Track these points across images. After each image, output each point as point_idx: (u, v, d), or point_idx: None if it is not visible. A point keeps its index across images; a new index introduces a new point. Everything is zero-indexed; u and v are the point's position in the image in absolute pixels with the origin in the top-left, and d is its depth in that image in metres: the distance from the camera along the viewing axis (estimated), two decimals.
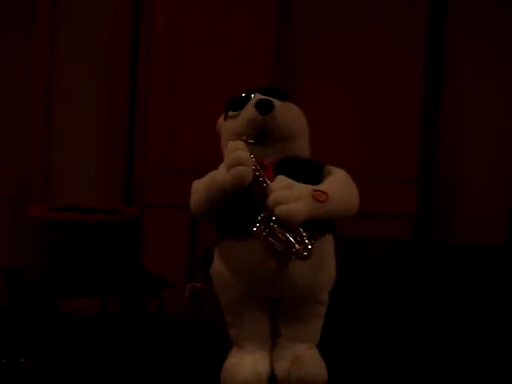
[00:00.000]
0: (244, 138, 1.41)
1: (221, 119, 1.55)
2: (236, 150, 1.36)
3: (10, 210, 3.08)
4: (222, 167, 1.39)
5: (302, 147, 1.48)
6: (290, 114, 1.47)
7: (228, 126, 1.49)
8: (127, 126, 3.03)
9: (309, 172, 1.44)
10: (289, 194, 1.32)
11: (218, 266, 1.46)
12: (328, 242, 1.44)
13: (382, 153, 2.80)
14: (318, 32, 2.85)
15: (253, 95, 1.47)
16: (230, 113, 1.49)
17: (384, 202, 2.66)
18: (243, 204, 1.38)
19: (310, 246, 1.32)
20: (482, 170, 2.73)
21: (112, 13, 3.03)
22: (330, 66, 2.82)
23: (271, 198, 1.32)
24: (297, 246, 1.32)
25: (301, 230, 1.33)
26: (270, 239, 1.33)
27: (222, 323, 1.50)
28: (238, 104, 1.47)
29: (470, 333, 1.86)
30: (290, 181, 1.36)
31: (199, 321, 2.35)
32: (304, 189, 1.36)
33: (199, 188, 1.45)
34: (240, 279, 1.41)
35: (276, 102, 1.45)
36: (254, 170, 1.36)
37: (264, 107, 1.42)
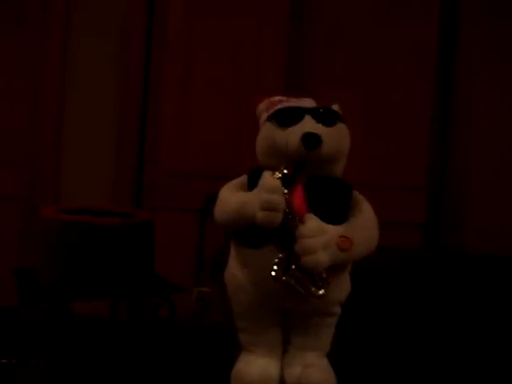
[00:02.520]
0: (283, 171, 1.37)
1: (263, 106, 1.48)
2: (270, 193, 1.34)
3: (21, 211, 3.09)
4: (255, 196, 1.36)
5: (338, 168, 1.46)
6: (334, 144, 1.41)
7: (269, 134, 1.43)
8: (138, 128, 3.04)
9: (337, 193, 1.43)
10: (317, 244, 1.33)
11: (232, 271, 1.46)
12: (346, 267, 1.45)
13: (391, 161, 2.81)
14: (330, 41, 2.86)
15: (302, 116, 1.41)
16: (275, 121, 1.43)
17: (393, 210, 2.67)
18: None
19: (323, 290, 1.35)
20: (492, 179, 2.73)
21: (126, 15, 3.04)
22: (341, 74, 2.83)
23: (300, 246, 1.33)
24: (313, 288, 1.35)
25: (321, 274, 1.35)
26: (291, 281, 1.34)
27: (230, 327, 1.50)
28: (286, 120, 1.41)
29: (480, 341, 1.86)
30: (320, 224, 1.35)
31: (206, 325, 2.35)
32: (332, 235, 1.36)
33: (227, 203, 1.43)
34: (254, 287, 1.41)
35: (324, 131, 1.39)
36: (284, 209, 1.35)
37: (310, 143, 1.37)
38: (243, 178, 1.46)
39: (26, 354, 1.62)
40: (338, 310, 1.46)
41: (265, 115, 1.46)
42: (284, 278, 1.34)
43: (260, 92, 2.80)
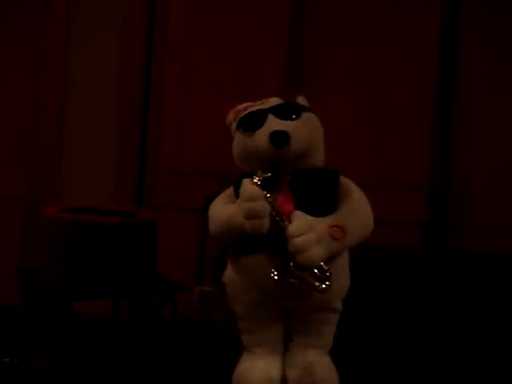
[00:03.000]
0: (259, 175, 1.38)
1: (231, 115, 1.50)
2: (252, 201, 1.35)
3: (22, 210, 3.09)
4: (239, 210, 1.36)
5: (318, 158, 1.46)
6: (305, 134, 1.42)
7: (240, 139, 1.45)
8: (140, 128, 3.05)
9: (324, 182, 1.43)
10: (308, 240, 1.33)
11: (231, 274, 1.46)
12: (343, 256, 1.44)
13: (392, 160, 2.81)
14: (331, 40, 2.86)
15: (265, 116, 1.42)
16: (242, 130, 1.44)
17: (394, 209, 2.67)
18: None
19: (327, 283, 1.35)
20: (493, 178, 2.73)
21: (126, 15, 3.04)
22: (343, 74, 2.84)
23: (292, 246, 1.33)
24: (316, 283, 1.35)
25: (321, 267, 1.35)
26: (292, 280, 1.35)
27: (232, 327, 1.50)
28: (251, 125, 1.42)
29: (480, 340, 1.86)
30: (308, 219, 1.35)
31: (208, 324, 2.36)
32: (322, 227, 1.36)
33: (217, 218, 1.44)
34: (253, 288, 1.41)
35: (290, 126, 1.40)
36: (271, 213, 1.35)
37: (279, 141, 1.38)
38: (230, 190, 1.46)
39: (28, 353, 1.63)
40: (339, 305, 1.46)
41: (234, 125, 1.48)
42: (285, 279, 1.34)
43: (261, 91, 2.82)
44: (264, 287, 1.39)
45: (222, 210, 1.43)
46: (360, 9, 2.84)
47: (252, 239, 1.38)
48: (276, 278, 1.34)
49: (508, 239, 2.66)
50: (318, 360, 1.44)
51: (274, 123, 1.41)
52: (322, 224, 1.37)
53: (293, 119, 1.42)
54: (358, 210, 1.43)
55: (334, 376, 1.44)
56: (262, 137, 1.40)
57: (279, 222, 1.36)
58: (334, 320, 1.47)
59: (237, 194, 1.42)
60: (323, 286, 1.35)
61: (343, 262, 1.44)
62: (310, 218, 1.36)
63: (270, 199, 1.36)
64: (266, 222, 1.35)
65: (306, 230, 1.34)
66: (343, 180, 1.46)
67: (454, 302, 1.91)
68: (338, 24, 2.84)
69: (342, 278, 1.44)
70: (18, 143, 3.14)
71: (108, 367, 1.71)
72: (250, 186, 1.37)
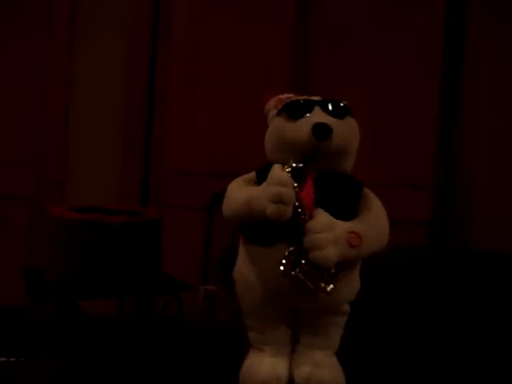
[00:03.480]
0: (292, 164, 1.36)
1: (272, 103, 1.47)
2: (280, 186, 1.33)
3: (28, 209, 3.10)
4: (264, 190, 1.35)
5: (346, 164, 1.45)
6: (345, 136, 1.40)
7: (278, 127, 1.43)
8: (144, 127, 3.05)
9: (347, 189, 1.42)
10: (326, 239, 1.32)
11: (241, 269, 1.45)
12: (356, 265, 1.44)
13: (397, 159, 2.81)
14: (335, 40, 2.86)
15: (312, 107, 1.41)
16: (285, 115, 1.42)
17: (400, 208, 2.67)
18: None
19: (331, 286, 1.34)
20: (499, 178, 2.73)
21: (131, 15, 3.05)
22: (347, 74, 2.84)
23: (309, 241, 1.32)
24: (322, 284, 1.34)
25: (330, 270, 1.34)
26: (300, 276, 1.33)
27: (237, 326, 1.50)
28: (295, 112, 1.41)
29: (486, 338, 1.86)
30: (329, 219, 1.34)
31: (213, 323, 2.36)
32: (341, 231, 1.35)
33: (236, 199, 1.41)
34: (264, 286, 1.41)
35: (334, 122, 1.39)
36: (294, 204, 1.34)
37: (321, 133, 1.36)
38: (252, 174, 1.45)
39: (34, 353, 1.63)
40: (347, 308, 1.46)
41: (274, 111, 1.46)
42: (293, 272, 1.33)
43: (266, 91, 2.82)
44: (274, 283, 1.38)
45: (241, 192, 1.41)
46: (364, 8, 2.84)
47: (269, 230, 1.36)
48: (282, 268, 1.32)
49: None
50: (324, 361, 1.43)
51: (319, 115, 1.40)
52: (342, 227, 1.36)
53: (338, 117, 1.41)
54: (377, 223, 1.43)
55: (341, 377, 1.44)
56: (304, 126, 1.38)
57: (301, 214, 1.34)
58: (342, 322, 1.47)
59: (259, 180, 1.40)
60: (328, 288, 1.34)
61: (356, 268, 1.44)
62: (331, 218, 1.35)
63: (297, 189, 1.35)
64: (289, 210, 1.33)
65: (326, 229, 1.33)
66: (366, 191, 1.45)
67: (459, 300, 1.90)
68: (342, 24, 2.84)
69: (351, 283, 1.44)
70: (24, 143, 3.14)
71: (114, 366, 1.72)
72: (281, 171, 1.35)
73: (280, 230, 1.35)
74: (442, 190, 2.79)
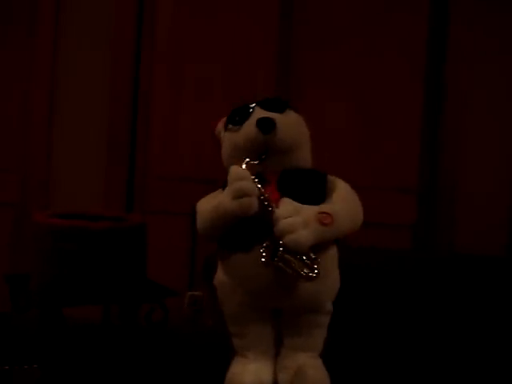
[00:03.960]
0: (246, 160, 1.39)
1: (220, 124, 1.52)
2: (239, 180, 1.36)
3: (12, 216, 3.08)
4: (227, 194, 1.38)
5: (304, 157, 1.48)
6: (291, 127, 1.44)
7: (228, 139, 1.47)
8: (129, 132, 3.04)
9: (312, 182, 1.44)
10: (295, 222, 1.33)
11: (221, 277, 1.46)
12: (332, 253, 1.45)
13: (382, 162, 2.81)
14: (320, 41, 2.86)
15: (252, 109, 1.44)
16: (230, 126, 1.47)
17: (384, 211, 2.68)
18: (246, 220, 1.38)
19: (316, 271, 1.33)
20: (483, 181, 2.74)
21: (115, 15, 3.03)
22: (332, 75, 2.84)
23: (279, 227, 1.33)
24: (305, 269, 1.34)
25: (308, 254, 1.34)
26: (280, 264, 1.34)
27: (223, 332, 1.50)
28: (238, 118, 1.45)
29: (469, 341, 1.87)
30: (295, 205, 1.36)
31: (199, 329, 2.35)
32: (309, 212, 1.36)
33: (204, 210, 1.44)
34: (243, 290, 1.41)
35: (276, 116, 1.43)
36: (259, 195, 1.36)
37: (265, 126, 1.40)
38: (219, 189, 1.47)
39: (19, 360, 1.62)
40: (329, 307, 1.46)
41: (222, 131, 1.50)
42: (274, 262, 1.33)
43: (251, 93, 2.82)
44: (252, 288, 1.39)
45: (210, 202, 1.44)
46: (348, 9, 2.84)
47: (242, 237, 1.38)
48: (263, 259, 1.33)
49: (496, 239, 2.67)
50: (308, 363, 1.44)
51: (260, 113, 1.43)
52: (309, 210, 1.37)
53: (279, 111, 1.44)
54: (345, 199, 1.44)
55: (325, 379, 1.44)
56: (249, 126, 1.42)
57: (267, 206, 1.36)
58: (325, 322, 1.47)
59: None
60: (311, 274, 1.33)
61: (332, 258, 1.45)
62: (297, 204, 1.37)
63: (257, 183, 1.36)
64: (254, 201, 1.35)
65: (293, 214, 1.34)
66: (331, 178, 1.47)
67: (443, 303, 1.91)
68: (326, 24, 2.84)
69: (331, 278, 1.45)
70: (7, 149, 3.12)
71: (99, 373, 1.71)
72: (237, 168, 1.38)
73: (254, 234, 1.36)
74: (425, 193, 2.80)
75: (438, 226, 2.77)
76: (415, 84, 2.79)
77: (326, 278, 1.42)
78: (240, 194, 1.34)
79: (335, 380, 1.45)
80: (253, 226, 1.37)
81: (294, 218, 1.34)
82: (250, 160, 1.40)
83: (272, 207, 1.36)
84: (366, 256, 2.01)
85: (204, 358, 1.75)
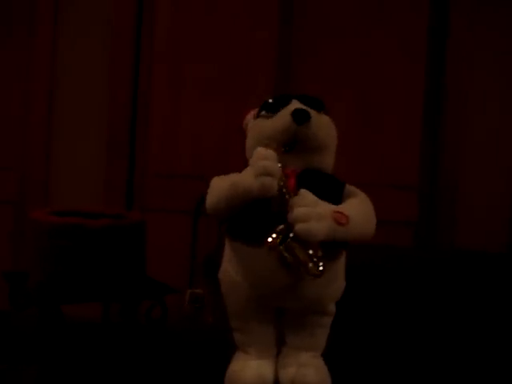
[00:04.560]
0: (274, 146, 1.38)
1: (249, 115, 1.51)
2: (265, 159, 1.34)
3: (11, 214, 3.08)
4: (249, 171, 1.36)
5: (327, 161, 1.46)
6: (323, 127, 1.44)
7: (258, 125, 1.45)
8: (128, 131, 3.03)
9: (330, 187, 1.42)
10: (311, 212, 1.31)
11: (227, 269, 1.44)
12: (341, 259, 1.44)
13: (383, 159, 2.81)
14: (320, 37, 2.85)
15: (289, 100, 1.43)
16: (263, 113, 1.45)
17: (386, 208, 2.66)
18: (261, 211, 1.36)
19: (321, 268, 1.32)
20: (483, 179, 2.74)
21: (114, 15, 3.03)
22: (332, 72, 2.83)
23: (293, 214, 1.31)
24: (310, 264, 1.32)
25: (317, 249, 1.32)
26: (285, 253, 1.32)
27: (224, 329, 1.49)
28: (274, 106, 1.43)
29: (470, 338, 1.86)
30: (313, 197, 1.34)
31: (200, 326, 2.35)
32: (326, 208, 1.34)
33: (220, 186, 1.41)
34: (249, 286, 1.40)
35: (312, 112, 1.41)
36: (279, 182, 1.34)
37: (300, 117, 1.39)
38: (234, 174, 1.43)
39: (18, 358, 1.61)
40: (332, 308, 1.45)
41: (251, 121, 1.48)
42: (279, 248, 1.31)
43: (251, 92, 2.81)
44: (261, 283, 1.38)
45: (226, 179, 1.41)
46: (348, 9, 2.84)
47: (255, 228, 1.35)
48: (270, 239, 1.31)
49: (496, 237, 2.66)
50: (310, 362, 1.43)
51: (297, 105, 1.42)
52: (326, 206, 1.35)
53: (316, 109, 1.44)
54: (362, 207, 1.42)
55: (327, 379, 1.43)
56: (283, 115, 1.41)
57: (285, 194, 1.34)
58: (328, 323, 1.46)
59: None
60: (316, 272, 1.31)
61: (341, 265, 1.44)
62: (315, 197, 1.35)
63: (281, 168, 1.35)
64: (275, 183, 1.33)
65: (310, 205, 1.32)
66: (349, 186, 1.46)
67: (444, 300, 1.90)
68: (326, 24, 2.84)
69: (337, 282, 1.44)
70: (7, 147, 3.12)
71: (98, 371, 1.70)
72: (264, 149, 1.36)
73: (268, 227, 1.33)
74: (426, 191, 2.80)
75: (438, 223, 2.77)
76: (416, 83, 2.78)
77: (333, 282, 1.42)
78: (264, 172, 1.32)
79: (336, 380, 1.44)
80: (270, 220, 1.34)
81: (310, 208, 1.32)
82: (278, 145, 1.38)
83: (290, 196, 1.34)
84: (367, 253, 2.00)
85: (204, 355, 1.74)
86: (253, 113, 1.50)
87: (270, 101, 1.45)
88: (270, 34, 2.90)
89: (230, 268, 1.43)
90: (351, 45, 2.83)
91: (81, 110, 3.08)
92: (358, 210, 1.40)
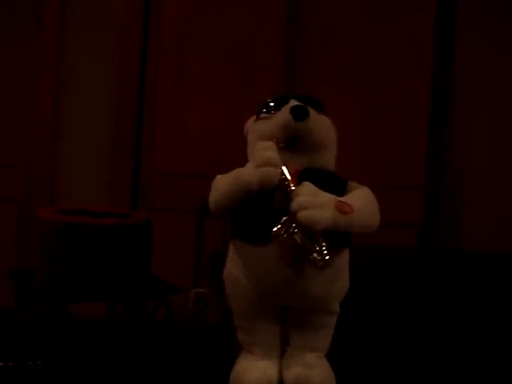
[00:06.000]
0: (274, 140, 1.39)
1: (249, 122, 1.52)
2: (265, 150, 1.35)
3: (17, 212, 3.08)
4: (250, 166, 1.37)
5: (328, 160, 1.46)
6: (322, 125, 1.44)
7: (258, 127, 1.46)
8: (134, 130, 3.04)
9: (332, 185, 1.41)
10: (313, 201, 1.30)
11: (231, 269, 1.44)
12: (345, 256, 1.43)
13: (388, 160, 2.81)
14: (326, 37, 2.85)
15: (288, 100, 1.44)
16: (263, 114, 1.46)
17: (390, 209, 2.65)
18: (264, 210, 1.36)
19: (327, 257, 1.30)
20: (489, 179, 2.74)
21: (121, 15, 3.04)
22: (338, 72, 2.84)
23: (295, 202, 1.30)
24: (315, 254, 1.30)
25: (321, 239, 1.31)
26: (286, 241, 1.31)
27: (228, 329, 1.49)
28: (273, 106, 1.44)
29: (476, 339, 1.86)
30: (316, 188, 1.34)
31: (204, 326, 2.35)
32: (329, 198, 1.34)
33: (222, 181, 1.42)
34: (253, 285, 1.40)
35: (311, 110, 1.42)
36: (281, 173, 1.34)
37: (299, 114, 1.39)
38: (236, 169, 1.44)
39: (22, 357, 1.61)
40: (336, 308, 1.45)
41: (250, 122, 1.50)
42: (283, 236, 1.30)
43: (257, 92, 2.81)
44: (265, 282, 1.38)
45: (228, 175, 1.41)
46: (355, 9, 2.84)
47: (259, 227, 1.35)
48: (275, 229, 1.30)
49: (502, 239, 2.66)
50: (314, 362, 1.43)
51: (296, 103, 1.42)
52: (329, 196, 1.35)
53: (314, 107, 1.44)
54: (366, 198, 1.42)
55: (331, 379, 1.43)
56: (282, 113, 1.41)
57: (288, 185, 1.33)
58: (332, 323, 1.46)
59: None
60: (321, 263, 1.29)
61: (345, 261, 1.43)
62: (317, 188, 1.34)
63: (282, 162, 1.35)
64: (276, 174, 1.32)
65: (313, 194, 1.32)
66: (351, 183, 1.45)
67: (449, 301, 1.90)
68: (332, 24, 2.84)
69: (342, 280, 1.43)
70: (12, 145, 3.13)
71: (103, 370, 1.70)
72: (265, 142, 1.37)
73: (271, 226, 1.32)
74: (432, 192, 2.79)
75: (444, 224, 2.77)
76: (422, 83, 2.78)
77: (338, 279, 1.41)
78: (265, 163, 1.32)
79: (341, 380, 1.44)
80: (272, 219, 1.33)
81: (312, 197, 1.31)
82: (278, 142, 1.38)
83: (292, 186, 1.33)
84: (372, 254, 2.00)
85: (209, 355, 1.74)
86: (252, 119, 1.51)
87: (269, 101, 1.46)
88: (276, 33, 2.90)
89: (233, 268, 1.43)
90: (357, 45, 2.83)
91: (87, 109, 3.08)
92: (362, 201, 1.39)
